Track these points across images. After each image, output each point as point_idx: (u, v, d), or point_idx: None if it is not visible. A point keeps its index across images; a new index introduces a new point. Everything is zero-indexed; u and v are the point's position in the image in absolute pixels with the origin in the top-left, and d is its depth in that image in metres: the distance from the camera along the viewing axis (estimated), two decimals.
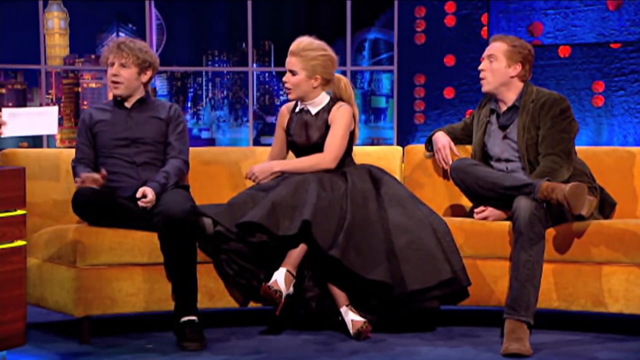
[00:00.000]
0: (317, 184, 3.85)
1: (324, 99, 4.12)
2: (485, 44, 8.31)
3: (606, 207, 4.08)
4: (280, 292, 3.70)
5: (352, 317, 3.82)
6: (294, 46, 4.05)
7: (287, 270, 3.75)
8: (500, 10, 8.39)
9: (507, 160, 4.10)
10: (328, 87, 4.13)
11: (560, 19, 8.19)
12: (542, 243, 3.72)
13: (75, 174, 4.03)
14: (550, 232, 3.85)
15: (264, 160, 4.29)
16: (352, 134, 4.11)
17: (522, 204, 3.73)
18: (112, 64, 4.06)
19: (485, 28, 8.45)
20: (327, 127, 4.07)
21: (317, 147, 4.07)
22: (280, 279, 3.73)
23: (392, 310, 3.88)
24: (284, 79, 4.09)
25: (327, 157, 4.01)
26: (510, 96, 4.12)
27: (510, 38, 4.15)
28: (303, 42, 4.06)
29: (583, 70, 8.13)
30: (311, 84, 4.06)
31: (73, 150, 4.19)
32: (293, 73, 4.05)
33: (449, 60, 8.60)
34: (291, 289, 3.77)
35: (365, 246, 3.77)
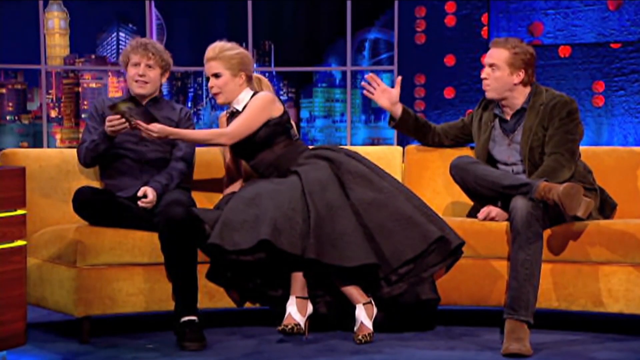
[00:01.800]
0: (270, 196, 3.79)
1: (247, 94, 4.10)
2: (486, 43, 8.34)
3: (606, 208, 4.08)
4: (297, 324, 3.69)
5: (362, 320, 3.79)
6: (209, 52, 4.07)
7: (297, 297, 3.75)
8: (501, 10, 8.39)
9: (514, 164, 4.09)
10: (250, 84, 4.13)
11: (560, 19, 8.19)
12: (540, 242, 3.72)
13: (80, 153, 4.04)
14: (551, 233, 3.85)
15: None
16: (287, 118, 4.07)
17: (519, 203, 3.73)
18: (137, 64, 4.07)
19: (485, 28, 8.45)
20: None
21: (254, 143, 4.02)
22: (293, 310, 3.73)
23: (399, 300, 3.86)
24: (209, 84, 4.09)
25: (226, 134, 3.93)
26: (517, 101, 4.10)
27: (511, 42, 4.09)
28: (216, 46, 4.08)
29: (583, 70, 8.12)
30: (237, 82, 4.07)
31: (74, 150, 4.19)
32: (217, 76, 4.05)
33: (449, 60, 8.60)
34: (310, 307, 3.78)
35: (338, 235, 3.72)
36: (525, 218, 3.69)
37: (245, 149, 4.07)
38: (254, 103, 4.03)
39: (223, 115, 4.23)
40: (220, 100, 4.08)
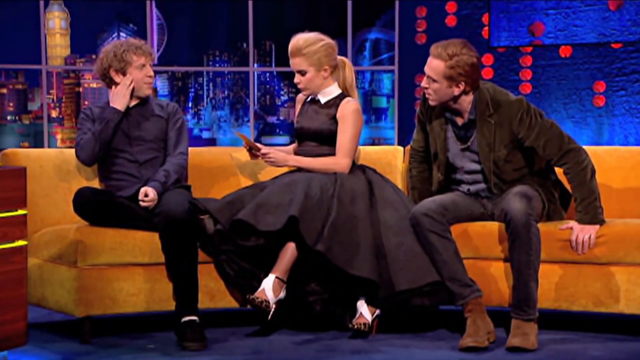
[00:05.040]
0: (305, 185, 3.84)
1: (334, 89, 4.12)
2: (487, 44, 8.34)
3: (569, 200, 4.04)
4: (267, 301, 3.70)
5: (362, 311, 3.82)
6: (292, 47, 4.05)
7: (277, 277, 3.75)
8: (501, 10, 8.39)
9: (469, 172, 4.00)
10: (336, 73, 4.15)
11: (561, 19, 8.19)
12: (539, 240, 3.72)
13: (82, 147, 4.01)
14: (551, 232, 3.85)
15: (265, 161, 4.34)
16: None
17: (516, 205, 3.70)
18: (143, 65, 4.06)
19: (486, 28, 8.45)
20: (332, 120, 4.08)
21: (319, 135, 4.08)
22: (267, 287, 3.73)
23: (386, 307, 3.88)
24: (295, 80, 4.10)
25: (341, 163, 4.02)
26: (463, 109, 3.92)
27: (450, 51, 3.79)
28: (299, 41, 4.05)
29: (584, 70, 8.12)
30: (322, 76, 4.08)
31: (74, 150, 4.18)
32: (302, 73, 4.06)
33: None
34: (282, 293, 3.77)
35: (350, 243, 3.76)
36: (525, 221, 3.67)
37: (302, 134, 4.12)
38: (351, 119, 4.05)
39: (300, 98, 4.24)
40: (306, 93, 4.13)
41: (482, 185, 3.99)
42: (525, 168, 3.94)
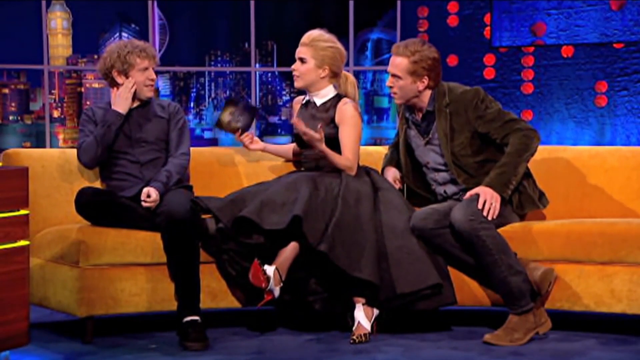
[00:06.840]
0: (310, 184, 3.85)
1: (329, 91, 4.14)
2: (488, 44, 8.34)
3: (542, 198, 4.07)
4: (269, 277, 3.69)
5: (360, 319, 3.81)
6: (305, 37, 4.13)
7: (277, 269, 3.75)
8: (503, 10, 8.38)
9: (438, 170, 4.05)
10: (335, 80, 4.16)
11: (563, 19, 8.18)
12: (494, 235, 3.72)
13: (85, 149, 4.02)
14: (553, 232, 3.85)
15: (267, 161, 4.38)
16: None
17: (455, 216, 3.74)
18: (146, 68, 4.05)
19: (488, 28, 8.44)
20: (331, 124, 4.08)
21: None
22: (269, 272, 3.73)
23: (386, 309, 3.88)
24: (292, 67, 4.14)
25: (351, 167, 4.02)
26: (423, 104, 4.02)
27: (411, 48, 3.95)
28: (314, 33, 4.13)
29: (586, 70, 8.11)
30: (319, 74, 4.10)
31: (75, 150, 4.18)
32: (302, 61, 4.11)
33: (452, 60, 8.59)
34: (277, 291, 3.77)
35: (354, 244, 3.77)
36: (467, 227, 3.70)
37: (304, 140, 4.11)
38: (351, 121, 4.06)
39: (298, 100, 4.28)
40: (297, 84, 4.15)
41: (455, 189, 4.01)
42: (487, 161, 3.97)
